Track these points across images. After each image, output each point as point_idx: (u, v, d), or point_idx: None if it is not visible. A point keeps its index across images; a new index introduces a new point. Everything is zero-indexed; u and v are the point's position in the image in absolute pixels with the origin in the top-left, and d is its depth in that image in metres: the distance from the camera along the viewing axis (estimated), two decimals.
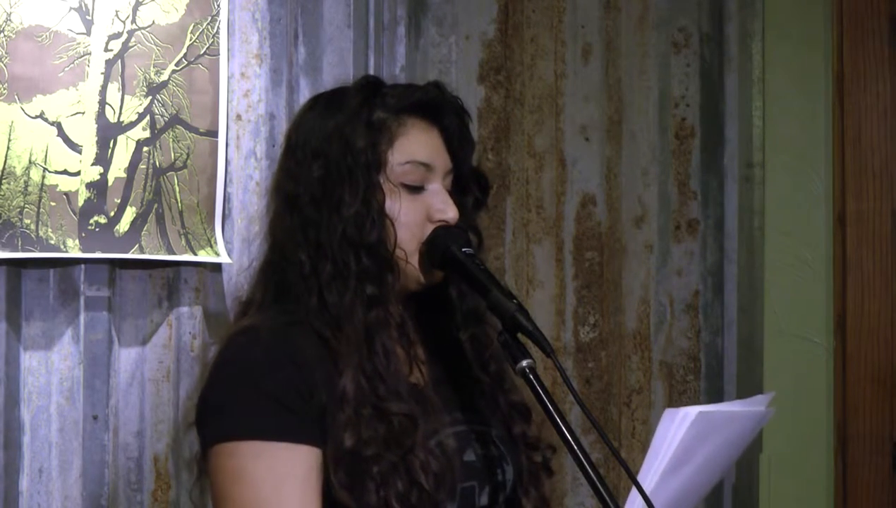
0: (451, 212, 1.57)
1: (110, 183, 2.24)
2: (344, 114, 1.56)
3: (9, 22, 2.14)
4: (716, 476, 1.62)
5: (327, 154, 1.54)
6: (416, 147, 1.57)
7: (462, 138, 1.62)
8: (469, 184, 1.65)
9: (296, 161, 1.57)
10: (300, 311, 1.52)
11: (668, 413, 1.44)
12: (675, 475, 1.45)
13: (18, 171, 2.14)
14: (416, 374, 1.56)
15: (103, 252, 2.23)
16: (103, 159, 2.23)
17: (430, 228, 1.56)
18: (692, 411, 1.43)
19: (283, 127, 2.47)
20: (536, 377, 1.45)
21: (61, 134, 2.18)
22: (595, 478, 1.37)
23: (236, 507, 1.43)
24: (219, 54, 2.37)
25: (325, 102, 1.61)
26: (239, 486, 1.43)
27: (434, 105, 1.60)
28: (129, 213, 2.26)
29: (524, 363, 1.45)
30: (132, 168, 2.26)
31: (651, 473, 1.43)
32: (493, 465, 1.58)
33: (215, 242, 2.36)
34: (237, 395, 1.46)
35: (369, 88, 1.59)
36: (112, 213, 2.24)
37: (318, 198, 1.54)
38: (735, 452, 1.63)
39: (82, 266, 2.25)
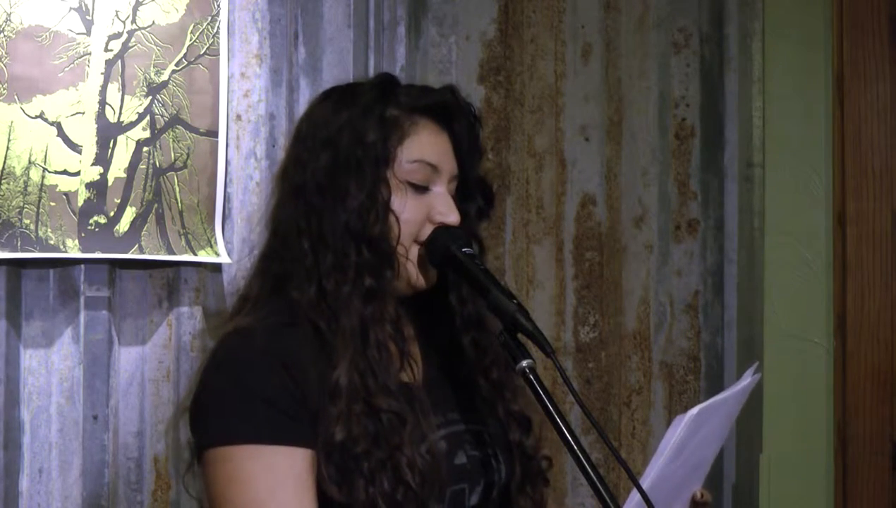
0: (452, 217, 1.57)
1: (110, 183, 2.24)
2: (357, 108, 1.56)
3: (9, 22, 2.14)
4: (711, 454, 1.64)
5: (337, 144, 1.54)
6: (425, 147, 1.57)
7: (471, 145, 1.63)
8: (473, 192, 1.65)
9: (305, 148, 1.57)
10: (297, 305, 1.52)
11: (676, 419, 1.46)
12: (672, 466, 1.46)
13: (18, 171, 2.14)
14: (409, 373, 1.56)
15: (103, 252, 2.23)
16: (103, 159, 2.23)
17: (429, 229, 1.56)
18: (693, 411, 1.44)
19: (283, 127, 2.47)
20: (536, 377, 1.45)
21: (61, 134, 2.18)
22: (595, 478, 1.38)
23: None
24: (219, 54, 2.37)
25: (339, 95, 1.61)
26: (234, 490, 1.43)
27: (447, 109, 1.60)
28: (129, 213, 2.26)
29: (524, 363, 1.46)
30: (132, 168, 2.26)
31: (650, 470, 1.44)
32: (484, 465, 1.58)
33: (215, 242, 2.36)
34: (230, 398, 1.46)
35: (385, 85, 1.60)
36: (112, 213, 2.24)
37: (324, 187, 1.54)
38: (726, 427, 1.66)
39: (82, 266, 2.25)
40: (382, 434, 1.45)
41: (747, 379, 1.64)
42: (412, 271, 1.56)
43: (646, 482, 1.43)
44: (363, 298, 1.51)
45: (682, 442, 1.45)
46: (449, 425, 1.57)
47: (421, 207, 1.56)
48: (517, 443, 1.63)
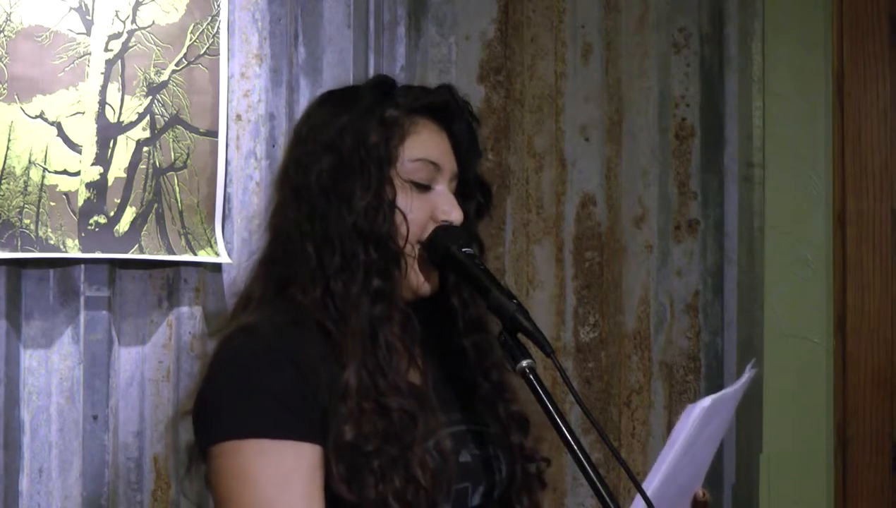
0: (455, 214, 1.57)
1: (110, 183, 2.24)
2: (357, 110, 1.57)
3: (9, 22, 2.14)
4: (711, 453, 1.65)
5: (339, 146, 1.55)
6: (426, 146, 1.58)
7: (469, 144, 1.64)
8: (472, 191, 1.66)
9: (305, 152, 1.58)
10: (302, 306, 1.52)
11: (686, 410, 1.46)
12: (682, 462, 1.47)
13: (18, 171, 2.14)
14: (416, 374, 1.56)
15: (103, 252, 2.23)
16: (103, 159, 2.23)
17: (432, 228, 1.57)
18: (706, 401, 1.44)
19: (283, 127, 2.47)
20: (536, 377, 1.45)
21: (61, 134, 2.18)
22: (595, 478, 1.38)
23: (240, 507, 1.43)
24: (219, 54, 2.37)
25: (337, 98, 1.62)
26: (242, 485, 1.42)
27: (445, 108, 1.61)
28: (129, 213, 2.26)
29: (524, 363, 1.46)
30: (132, 168, 2.26)
31: (660, 467, 1.44)
32: (487, 465, 1.58)
33: (215, 242, 2.36)
34: (238, 394, 1.45)
35: (382, 87, 1.61)
36: (112, 213, 2.24)
37: (328, 189, 1.54)
38: (725, 426, 1.67)
39: (82, 266, 2.25)
40: (393, 432, 1.45)
41: (746, 374, 1.65)
42: (416, 273, 1.57)
43: (656, 478, 1.43)
44: (372, 299, 1.51)
45: (695, 434, 1.45)
46: (452, 425, 1.57)
47: (425, 206, 1.57)
48: (518, 445, 1.63)
